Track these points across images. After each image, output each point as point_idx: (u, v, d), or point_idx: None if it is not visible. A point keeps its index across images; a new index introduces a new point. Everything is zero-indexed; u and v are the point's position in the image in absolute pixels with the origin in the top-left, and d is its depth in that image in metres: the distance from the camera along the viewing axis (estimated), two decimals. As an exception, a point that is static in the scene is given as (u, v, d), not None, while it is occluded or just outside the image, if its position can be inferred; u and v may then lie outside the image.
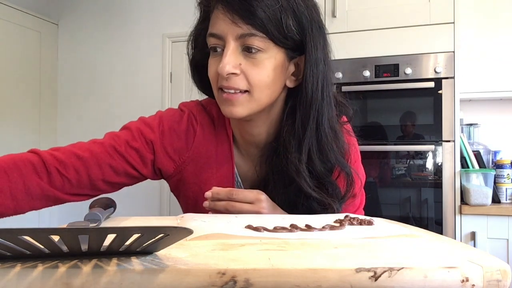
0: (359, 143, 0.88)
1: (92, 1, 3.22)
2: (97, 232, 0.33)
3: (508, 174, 2.12)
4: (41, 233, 0.32)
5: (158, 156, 0.79)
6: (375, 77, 2.17)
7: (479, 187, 2.03)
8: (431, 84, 2.08)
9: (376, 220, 0.61)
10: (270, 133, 0.81)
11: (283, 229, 0.50)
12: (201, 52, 0.78)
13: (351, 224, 0.56)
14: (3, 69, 2.84)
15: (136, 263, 0.35)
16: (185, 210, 0.85)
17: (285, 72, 0.74)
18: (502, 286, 0.36)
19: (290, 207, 0.76)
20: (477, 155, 2.16)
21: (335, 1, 2.23)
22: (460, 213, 2.02)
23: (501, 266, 0.36)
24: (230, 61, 0.69)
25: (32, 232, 0.31)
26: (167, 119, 0.81)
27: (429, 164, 2.11)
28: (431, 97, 2.09)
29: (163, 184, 0.98)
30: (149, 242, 0.35)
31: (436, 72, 2.08)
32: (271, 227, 0.50)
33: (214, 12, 0.71)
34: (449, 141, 2.06)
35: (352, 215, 0.62)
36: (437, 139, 2.08)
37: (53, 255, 0.36)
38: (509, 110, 2.46)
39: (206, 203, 0.72)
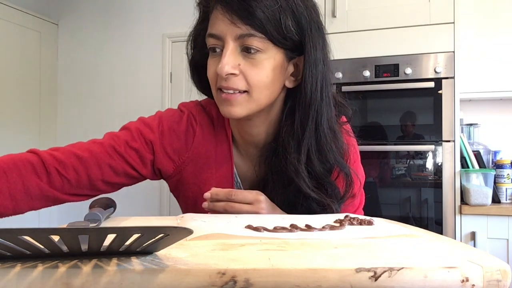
0: (359, 143, 0.88)
1: (92, 1, 3.22)
2: (97, 232, 0.33)
3: (508, 174, 2.12)
4: (41, 233, 0.32)
5: (158, 156, 0.79)
6: (375, 77, 2.17)
7: (479, 187, 2.03)
8: (431, 84, 2.08)
9: (376, 220, 0.61)
10: (269, 133, 0.81)
11: (283, 229, 0.50)
12: (201, 53, 0.78)
13: (351, 224, 0.56)
14: (3, 69, 2.84)
15: (136, 263, 0.35)
16: (185, 210, 0.85)
17: (284, 73, 0.74)
18: (502, 286, 0.36)
19: (290, 207, 0.76)
20: (477, 155, 2.16)
21: (335, 1, 2.23)
22: (460, 213, 2.02)
23: (501, 266, 0.36)
24: (229, 61, 0.69)
25: (32, 232, 0.31)
26: (166, 120, 0.81)
27: (429, 164, 2.11)
28: (431, 97, 2.09)
29: (163, 184, 0.98)
30: (149, 242, 0.35)
31: (436, 72, 2.08)
32: (271, 227, 0.50)
33: (213, 12, 0.71)
34: (449, 141, 2.06)
35: (352, 215, 0.62)
36: (437, 139, 2.08)
37: (53, 255, 0.36)
38: (509, 110, 2.46)
39: (205, 204, 0.72)
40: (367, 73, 2.17)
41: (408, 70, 2.11)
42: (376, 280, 0.34)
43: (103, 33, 3.18)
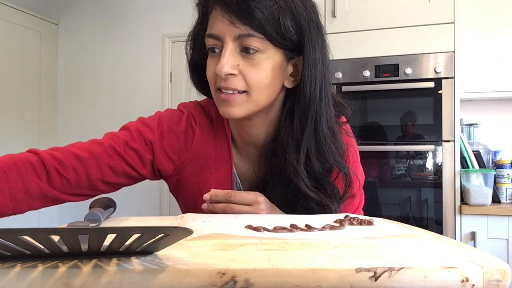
0: (359, 143, 0.88)
1: (92, 1, 3.22)
2: (97, 232, 0.33)
3: (508, 174, 2.12)
4: (41, 233, 0.32)
5: (157, 156, 0.79)
6: (375, 77, 2.17)
7: (479, 187, 2.03)
8: (431, 84, 2.08)
9: (376, 220, 0.61)
10: (269, 134, 0.81)
11: (283, 229, 0.50)
12: (200, 53, 0.78)
13: (351, 224, 0.56)
14: (3, 69, 2.84)
15: (136, 263, 0.35)
16: (184, 211, 0.85)
17: (283, 73, 0.74)
18: (502, 286, 0.36)
19: (289, 208, 0.76)
20: (477, 155, 2.16)
21: (335, 1, 2.23)
22: (460, 213, 2.02)
23: (501, 266, 0.36)
24: (228, 61, 0.69)
25: (32, 232, 0.31)
26: (166, 120, 0.81)
27: (429, 164, 2.11)
28: (431, 97, 2.09)
29: (163, 184, 0.97)
30: (149, 242, 0.35)
31: (436, 72, 2.08)
32: (271, 227, 0.50)
33: (212, 13, 0.71)
34: (449, 141, 2.06)
35: (352, 215, 0.62)
36: (437, 139, 2.08)
37: (53, 255, 0.36)
38: (509, 110, 2.46)
39: (204, 206, 0.72)
40: (367, 73, 2.17)
41: (408, 70, 2.11)
42: (376, 280, 0.34)
43: (103, 33, 3.18)
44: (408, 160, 2.16)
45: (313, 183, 0.76)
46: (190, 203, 0.83)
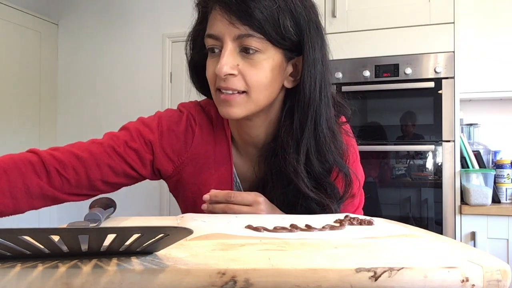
0: (359, 143, 0.88)
1: (92, 1, 3.22)
2: (97, 232, 0.33)
3: (508, 174, 2.12)
4: (41, 233, 0.32)
5: (157, 156, 0.79)
6: (375, 77, 2.17)
7: (479, 187, 2.03)
8: (431, 84, 2.08)
9: (376, 220, 0.61)
10: (269, 134, 0.81)
11: (283, 229, 0.50)
12: (200, 53, 0.78)
13: (351, 224, 0.56)
14: (3, 69, 2.84)
15: (136, 263, 0.35)
16: (184, 211, 0.85)
17: (283, 73, 0.74)
18: (502, 286, 0.36)
19: (289, 208, 0.76)
20: (477, 155, 2.16)
21: (335, 1, 2.23)
22: (460, 213, 2.02)
23: (501, 266, 0.36)
24: (227, 62, 0.69)
25: (32, 232, 0.31)
26: (166, 120, 0.81)
27: (429, 164, 2.11)
28: (431, 97, 2.09)
29: (163, 184, 0.97)
30: (149, 242, 0.35)
31: (436, 72, 2.08)
32: (271, 227, 0.50)
33: (212, 13, 0.71)
34: (449, 141, 2.06)
35: (352, 215, 0.62)
36: (437, 139, 2.08)
37: (53, 255, 0.36)
38: (509, 110, 2.46)
39: (204, 206, 0.72)
40: (367, 73, 2.17)
41: (408, 70, 2.11)
42: (376, 280, 0.34)
43: (103, 33, 3.18)
44: (408, 160, 2.16)
45: (313, 183, 0.75)
46: (190, 203, 0.83)
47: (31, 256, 0.35)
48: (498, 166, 2.16)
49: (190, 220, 0.58)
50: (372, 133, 2.17)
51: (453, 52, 2.07)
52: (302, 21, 0.71)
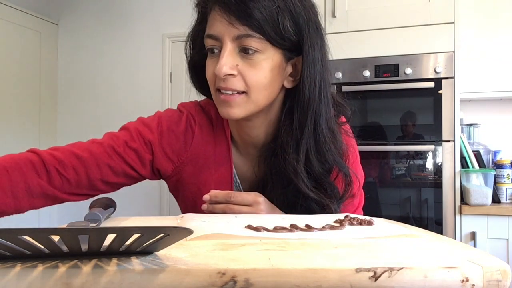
0: (359, 143, 0.88)
1: (92, 1, 3.22)
2: (97, 232, 0.33)
3: (508, 174, 2.12)
4: (41, 233, 0.32)
5: (157, 156, 0.79)
6: (375, 77, 2.17)
7: (479, 187, 2.03)
8: (431, 84, 2.08)
9: (376, 220, 0.61)
10: (268, 134, 0.81)
11: (283, 229, 0.50)
12: (199, 53, 0.78)
13: (351, 224, 0.56)
14: (3, 69, 2.84)
15: (136, 263, 0.35)
16: (184, 211, 0.85)
17: (283, 73, 0.74)
18: (502, 286, 0.36)
19: (289, 208, 0.76)
20: (477, 155, 2.16)
21: (335, 1, 2.23)
22: (460, 213, 2.02)
23: (501, 266, 0.36)
24: (227, 62, 0.69)
25: (32, 232, 0.31)
26: (165, 120, 0.81)
27: (429, 164, 2.11)
28: (431, 97, 2.09)
29: (163, 184, 0.97)
30: (149, 242, 0.35)
31: (436, 72, 2.08)
32: (271, 227, 0.50)
33: (211, 13, 0.71)
34: (449, 141, 2.06)
35: (352, 215, 0.62)
36: (437, 139, 2.08)
37: (53, 255, 0.36)
38: (509, 110, 2.46)
39: (204, 206, 0.72)
40: (367, 73, 2.17)
41: (408, 70, 2.11)
42: (376, 280, 0.34)
43: (103, 33, 3.18)
44: (408, 160, 2.16)
45: (313, 183, 0.75)
46: (190, 203, 0.83)
47: (31, 256, 0.35)
48: (498, 166, 2.16)
49: (190, 220, 0.58)
50: (372, 133, 2.17)
51: (453, 52, 2.07)
52: (302, 21, 0.71)
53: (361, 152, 0.89)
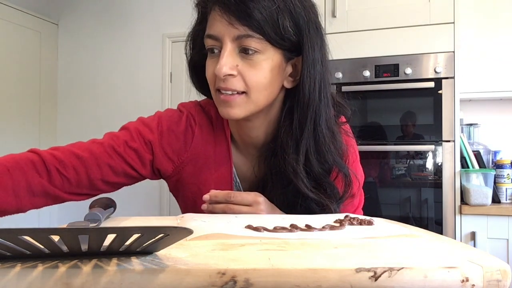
0: (359, 143, 0.88)
1: (92, 1, 3.22)
2: (97, 232, 0.33)
3: (508, 174, 2.12)
4: (41, 233, 0.32)
5: (157, 156, 0.79)
6: (375, 77, 2.17)
7: (479, 187, 2.03)
8: (431, 84, 2.08)
9: (376, 220, 0.61)
10: (268, 134, 0.81)
11: (283, 229, 0.50)
12: (199, 53, 0.78)
13: (351, 224, 0.56)
14: (3, 69, 2.84)
15: (136, 263, 0.35)
16: (184, 211, 0.85)
17: (283, 73, 0.74)
18: (502, 286, 0.36)
19: (289, 208, 0.76)
20: (477, 155, 2.16)
21: (335, 1, 2.23)
22: (460, 213, 2.02)
23: (501, 266, 0.36)
24: (227, 62, 0.69)
25: (32, 232, 0.31)
26: (166, 120, 0.81)
27: (429, 164, 2.11)
28: (431, 97, 2.09)
29: (163, 184, 0.98)
30: (149, 242, 0.35)
31: (436, 72, 2.08)
32: (271, 227, 0.50)
33: (211, 13, 0.71)
34: (449, 141, 2.06)
35: (352, 215, 0.62)
36: (437, 139, 2.08)
37: (53, 255, 0.36)
38: (509, 110, 2.46)
39: (204, 206, 0.73)
40: (367, 73, 2.17)
41: (408, 70, 2.11)
42: (376, 280, 0.34)
43: (103, 33, 3.18)
44: (408, 160, 2.16)
45: (313, 183, 0.75)
46: (190, 203, 0.83)
47: (31, 256, 0.35)
48: (498, 166, 2.16)
49: (190, 220, 0.58)
50: (372, 133, 2.17)
51: (453, 52, 2.07)
52: (302, 22, 0.71)
53: (361, 152, 0.89)
